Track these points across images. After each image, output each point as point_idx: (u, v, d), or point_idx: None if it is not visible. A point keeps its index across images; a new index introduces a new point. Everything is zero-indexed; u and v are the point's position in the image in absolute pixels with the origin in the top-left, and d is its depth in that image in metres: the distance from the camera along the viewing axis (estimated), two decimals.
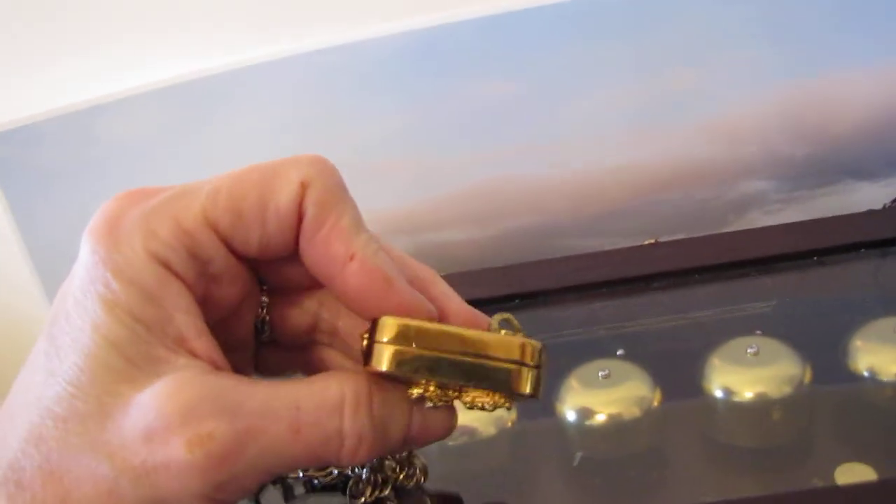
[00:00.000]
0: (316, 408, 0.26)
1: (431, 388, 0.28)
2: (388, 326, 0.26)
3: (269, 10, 0.58)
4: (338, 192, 0.27)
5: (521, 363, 0.27)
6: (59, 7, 0.58)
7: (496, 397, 0.28)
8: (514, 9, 0.57)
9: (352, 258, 0.26)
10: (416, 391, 0.28)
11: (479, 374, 0.27)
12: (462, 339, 0.27)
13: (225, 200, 0.26)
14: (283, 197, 0.26)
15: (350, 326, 0.30)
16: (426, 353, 0.26)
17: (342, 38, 0.58)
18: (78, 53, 0.59)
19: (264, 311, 0.31)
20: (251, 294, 0.30)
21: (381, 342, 0.26)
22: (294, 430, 0.25)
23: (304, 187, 0.26)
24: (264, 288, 0.31)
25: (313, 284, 0.29)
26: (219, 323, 0.29)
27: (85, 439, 0.24)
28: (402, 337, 0.26)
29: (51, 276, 0.64)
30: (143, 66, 0.59)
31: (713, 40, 0.58)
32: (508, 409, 0.29)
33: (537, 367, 0.27)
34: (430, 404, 0.29)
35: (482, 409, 0.28)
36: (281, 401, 0.25)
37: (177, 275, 0.26)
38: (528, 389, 0.27)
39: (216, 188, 0.27)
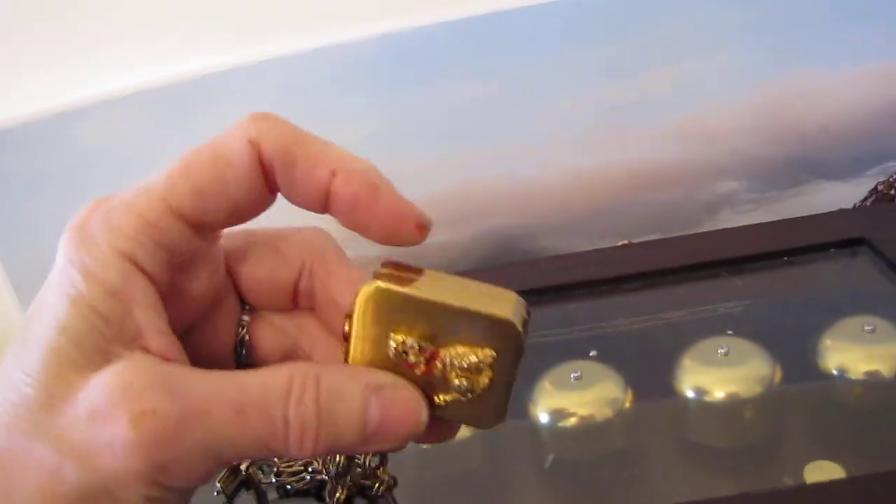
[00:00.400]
0: (262, 394, 0.26)
1: (410, 341, 0.27)
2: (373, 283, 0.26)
3: (246, 14, 0.58)
4: (291, 132, 0.27)
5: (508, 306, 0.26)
6: (36, 14, 0.58)
7: (481, 351, 0.27)
8: (489, 12, 0.58)
9: (334, 174, 0.26)
10: (395, 339, 0.27)
11: (467, 313, 0.26)
12: (451, 290, 0.26)
13: (182, 183, 0.27)
14: (237, 159, 0.26)
15: (327, 355, 0.30)
16: (413, 292, 0.26)
17: (319, 42, 0.57)
18: (54, 59, 0.59)
19: (244, 330, 0.31)
20: (231, 311, 0.30)
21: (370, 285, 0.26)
22: (239, 414, 0.25)
23: (254, 145, 0.26)
24: (246, 307, 0.31)
25: (294, 307, 0.30)
26: (198, 338, 0.29)
27: (32, 425, 0.24)
28: (391, 277, 0.26)
29: (27, 285, 0.64)
30: (119, 72, 0.58)
31: (686, 44, 0.59)
32: (490, 382, 0.27)
33: (527, 313, 0.27)
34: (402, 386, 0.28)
35: (460, 390, 0.27)
36: (229, 386, 0.25)
37: (143, 270, 0.26)
38: (519, 327, 0.26)
39: (171, 174, 0.27)
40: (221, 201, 0.27)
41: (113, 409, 0.24)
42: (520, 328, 0.25)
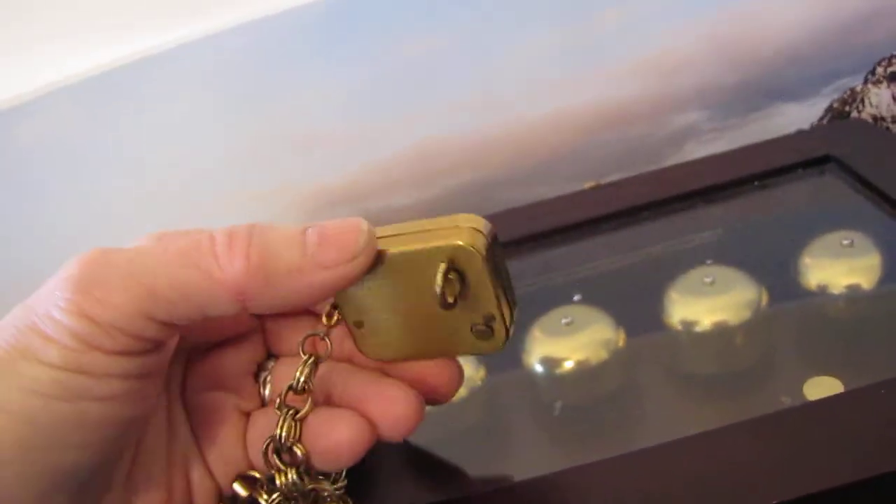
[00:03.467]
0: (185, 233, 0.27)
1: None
2: None
3: None
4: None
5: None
6: None
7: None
8: None
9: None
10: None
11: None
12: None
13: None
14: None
15: (361, 386, 0.30)
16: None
17: (261, 11, 0.56)
18: None
19: (268, 374, 0.32)
20: (253, 349, 0.31)
21: None
22: (160, 239, 0.26)
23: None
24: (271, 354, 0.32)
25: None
26: (219, 359, 0.31)
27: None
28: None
29: None
30: (51, 64, 0.56)
31: None
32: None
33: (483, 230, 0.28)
34: None
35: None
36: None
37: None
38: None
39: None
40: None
41: (57, 276, 0.25)
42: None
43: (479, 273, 0.27)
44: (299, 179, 0.61)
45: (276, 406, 0.29)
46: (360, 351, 0.30)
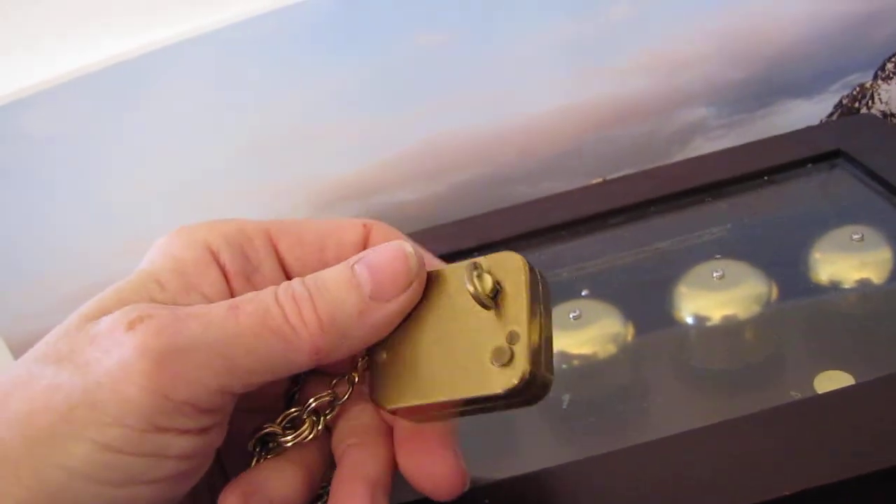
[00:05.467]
0: (252, 293, 0.26)
1: None
2: None
3: None
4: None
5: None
6: None
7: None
8: None
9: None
10: None
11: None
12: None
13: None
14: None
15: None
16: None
17: (269, 5, 0.56)
18: None
19: (296, 391, 0.31)
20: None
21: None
22: (231, 308, 0.24)
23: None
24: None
25: None
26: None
27: (46, 353, 0.24)
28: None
29: None
30: (62, 56, 0.56)
31: None
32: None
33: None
34: None
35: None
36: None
37: (218, 263, 0.27)
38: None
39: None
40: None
41: (113, 325, 0.23)
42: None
43: (516, 284, 0.25)
44: (309, 174, 0.61)
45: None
46: (373, 398, 0.28)
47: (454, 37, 0.59)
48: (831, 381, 0.37)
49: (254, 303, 0.25)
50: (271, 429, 0.29)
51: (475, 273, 0.25)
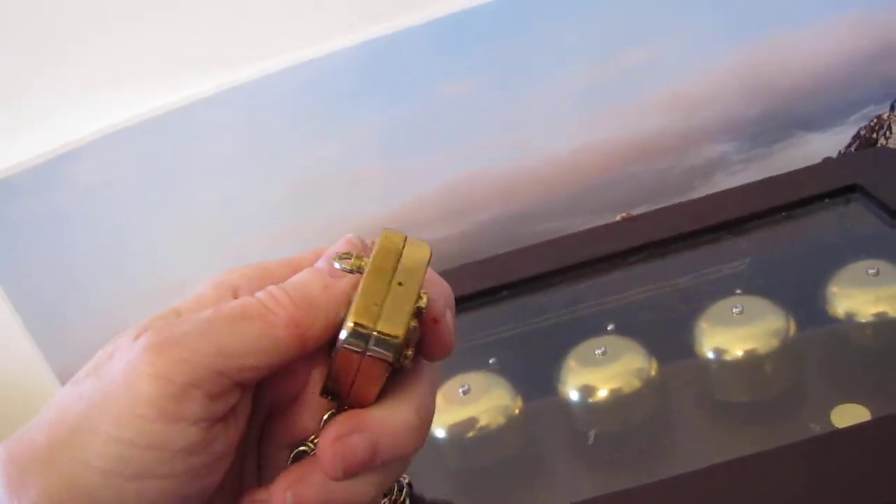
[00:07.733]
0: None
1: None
2: None
3: (229, 38, 0.59)
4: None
5: None
6: (26, 67, 0.59)
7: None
8: (461, 8, 0.59)
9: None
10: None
11: None
12: None
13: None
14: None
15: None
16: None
17: (299, 58, 0.58)
18: (44, 107, 0.59)
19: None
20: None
21: None
22: (216, 307, 0.27)
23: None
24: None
25: None
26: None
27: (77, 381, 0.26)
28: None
29: (40, 326, 0.64)
30: (109, 110, 0.59)
31: (655, 18, 0.60)
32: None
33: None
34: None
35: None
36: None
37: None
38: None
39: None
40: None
41: (124, 339, 0.26)
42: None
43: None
44: (344, 214, 0.64)
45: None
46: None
47: (476, 83, 0.61)
48: (848, 414, 0.38)
49: (235, 301, 0.28)
50: (304, 447, 0.30)
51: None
